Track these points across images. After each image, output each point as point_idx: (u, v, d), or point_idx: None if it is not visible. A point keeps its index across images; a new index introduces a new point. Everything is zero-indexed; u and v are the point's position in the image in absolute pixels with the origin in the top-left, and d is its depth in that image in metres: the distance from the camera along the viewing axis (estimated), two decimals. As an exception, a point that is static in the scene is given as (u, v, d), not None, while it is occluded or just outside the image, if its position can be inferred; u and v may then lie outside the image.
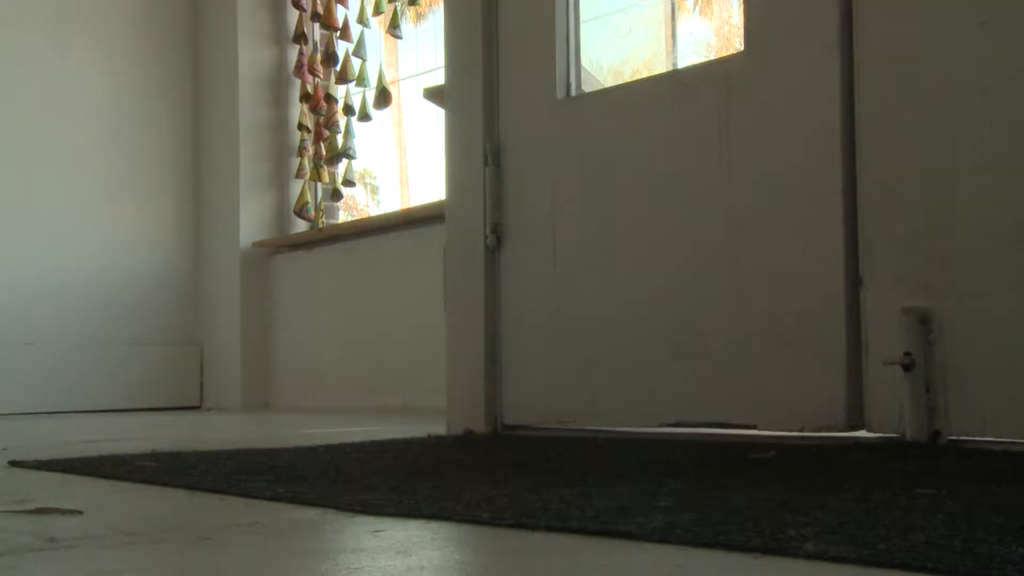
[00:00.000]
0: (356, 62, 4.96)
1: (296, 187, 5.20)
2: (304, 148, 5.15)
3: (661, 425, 2.30)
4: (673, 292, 2.30)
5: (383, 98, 4.86)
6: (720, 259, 2.21)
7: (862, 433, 2.00)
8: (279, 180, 5.27)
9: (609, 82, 2.81)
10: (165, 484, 1.57)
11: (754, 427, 2.14)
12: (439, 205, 3.36)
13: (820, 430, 2.03)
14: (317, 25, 5.14)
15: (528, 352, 2.59)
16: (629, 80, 2.68)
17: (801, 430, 2.06)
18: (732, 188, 2.20)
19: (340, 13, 5.00)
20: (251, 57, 5.21)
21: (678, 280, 2.29)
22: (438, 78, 3.44)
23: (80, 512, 1.27)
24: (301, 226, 5.18)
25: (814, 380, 2.05)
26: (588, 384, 2.45)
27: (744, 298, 2.17)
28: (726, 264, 2.20)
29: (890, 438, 1.92)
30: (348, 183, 5.15)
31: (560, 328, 2.52)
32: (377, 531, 1.09)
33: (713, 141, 2.24)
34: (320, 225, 5.07)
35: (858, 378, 1.99)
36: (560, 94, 2.57)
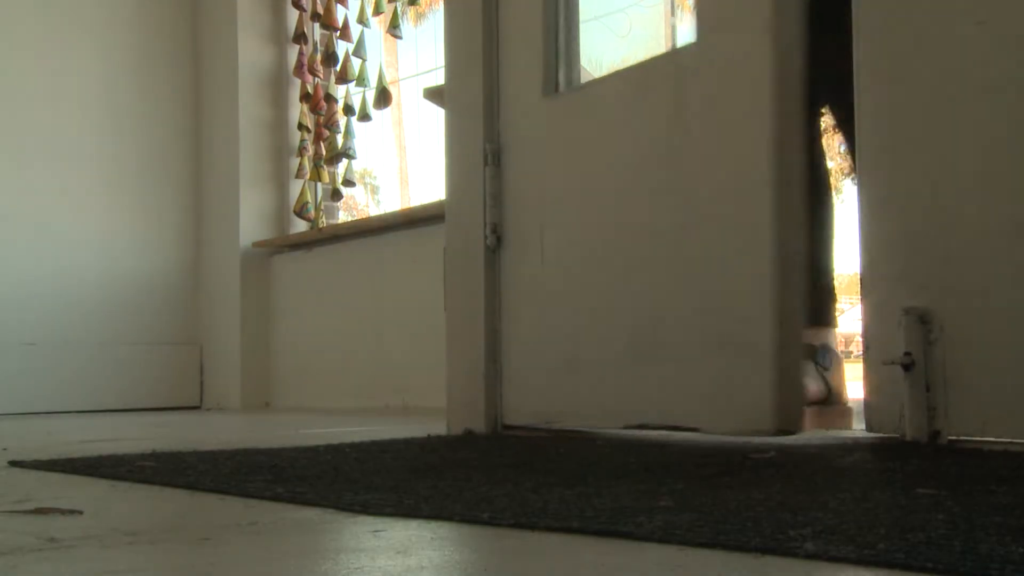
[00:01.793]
0: (356, 62, 4.96)
1: (296, 187, 5.21)
2: (304, 148, 5.15)
3: (626, 427, 2.28)
4: (633, 292, 2.27)
5: (383, 98, 4.87)
6: (673, 257, 2.17)
7: (862, 433, 2.00)
8: (279, 180, 5.27)
9: (609, 82, 2.79)
10: (165, 484, 1.57)
11: (697, 430, 2.11)
12: (439, 205, 3.36)
13: (749, 433, 2.01)
14: (317, 25, 5.14)
15: (525, 353, 2.58)
16: (603, 75, 2.61)
17: (737, 433, 2.03)
18: (686, 184, 2.13)
19: (340, 13, 5.00)
20: (251, 57, 5.21)
21: (636, 281, 2.27)
22: (438, 78, 3.45)
23: (80, 512, 1.27)
24: (301, 226, 5.18)
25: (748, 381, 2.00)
26: (570, 385, 2.44)
27: (690, 298, 2.10)
28: (678, 262, 2.16)
29: (890, 438, 1.92)
30: (348, 183, 5.15)
31: (547, 329, 2.52)
32: (377, 531, 1.09)
33: (663, 135, 2.20)
34: (320, 225, 5.07)
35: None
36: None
